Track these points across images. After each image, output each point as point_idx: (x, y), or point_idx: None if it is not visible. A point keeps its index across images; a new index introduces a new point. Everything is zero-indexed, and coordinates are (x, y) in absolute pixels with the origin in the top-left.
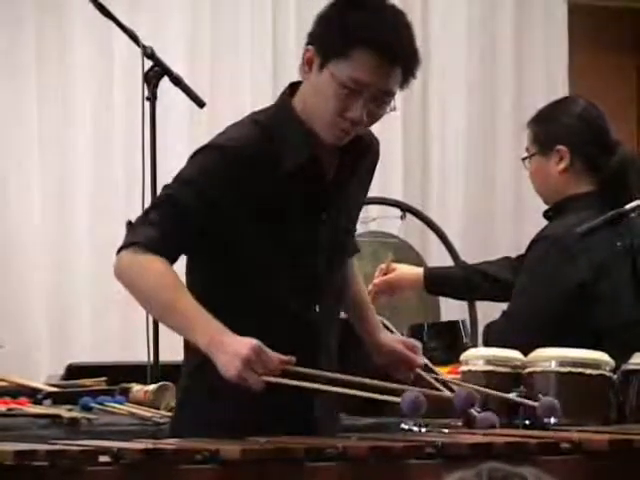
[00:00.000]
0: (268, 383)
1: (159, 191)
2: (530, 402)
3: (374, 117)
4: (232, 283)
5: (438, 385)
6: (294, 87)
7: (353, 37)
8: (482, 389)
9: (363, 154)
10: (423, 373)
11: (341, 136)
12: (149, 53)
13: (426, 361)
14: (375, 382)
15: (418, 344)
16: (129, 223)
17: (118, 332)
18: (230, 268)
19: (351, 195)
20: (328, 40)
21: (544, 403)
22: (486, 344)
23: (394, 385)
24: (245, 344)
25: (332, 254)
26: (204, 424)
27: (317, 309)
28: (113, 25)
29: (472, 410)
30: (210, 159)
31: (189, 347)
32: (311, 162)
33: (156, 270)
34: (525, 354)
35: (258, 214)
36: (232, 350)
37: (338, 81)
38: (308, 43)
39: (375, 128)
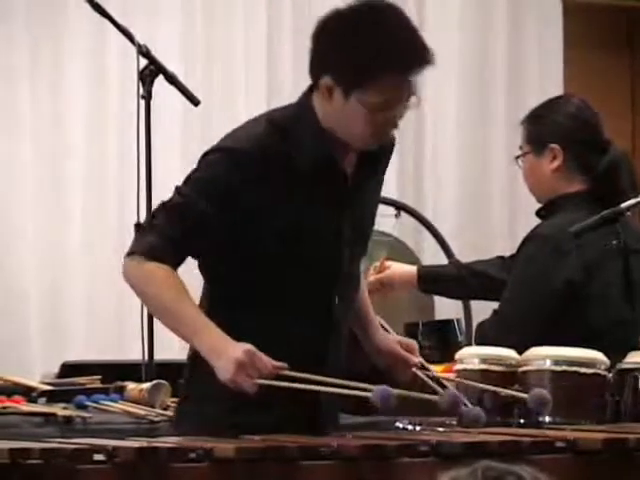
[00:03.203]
0: (261, 386)
1: (154, 190)
2: (521, 394)
3: (403, 114)
4: (249, 279)
5: (432, 384)
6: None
7: (376, 65)
8: (476, 384)
9: (384, 153)
10: (418, 372)
11: (377, 141)
12: (144, 51)
13: (421, 359)
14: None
15: (414, 343)
16: (137, 225)
17: (113, 330)
18: (247, 265)
19: (370, 191)
20: (348, 71)
21: (534, 394)
22: (478, 343)
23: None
24: (239, 349)
25: (353, 249)
26: (206, 413)
27: (337, 302)
28: (108, 23)
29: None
30: (220, 162)
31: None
32: (328, 162)
33: (159, 278)
34: (517, 353)
35: (275, 214)
36: (227, 355)
37: (369, 107)
38: (321, 71)
39: None
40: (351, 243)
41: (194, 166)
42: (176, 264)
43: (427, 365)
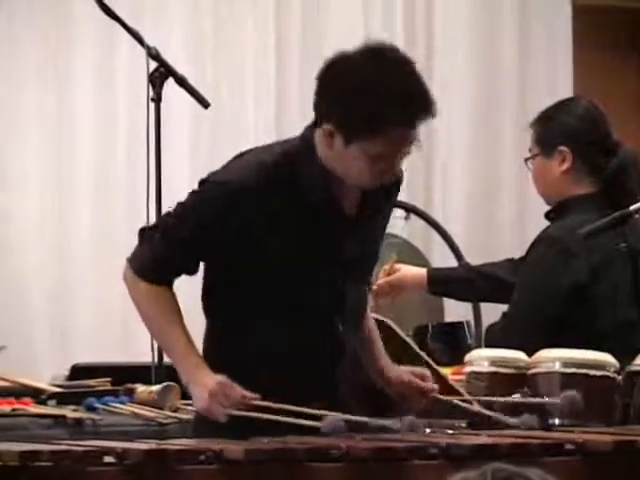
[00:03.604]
0: (232, 416)
1: (163, 192)
2: (551, 400)
3: (404, 158)
4: (247, 300)
5: (460, 403)
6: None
7: (378, 120)
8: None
9: (389, 192)
10: (440, 396)
11: (375, 184)
12: (154, 54)
13: (428, 359)
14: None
15: (427, 371)
16: (142, 230)
17: (122, 332)
18: (244, 288)
19: (374, 225)
20: (350, 122)
21: (567, 397)
22: (487, 345)
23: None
24: (213, 380)
25: (355, 276)
26: None
27: (340, 329)
28: (117, 26)
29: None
30: (214, 194)
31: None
32: (328, 201)
33: (151, 301)
34: (526, 355)
35: (271, 244)
36: (202, 385)
37: (371, 156)
38: (323, 116)
39: None
40: (352, 270)
41: (203, 171)
42: (170, 281)
43: (435, 365)
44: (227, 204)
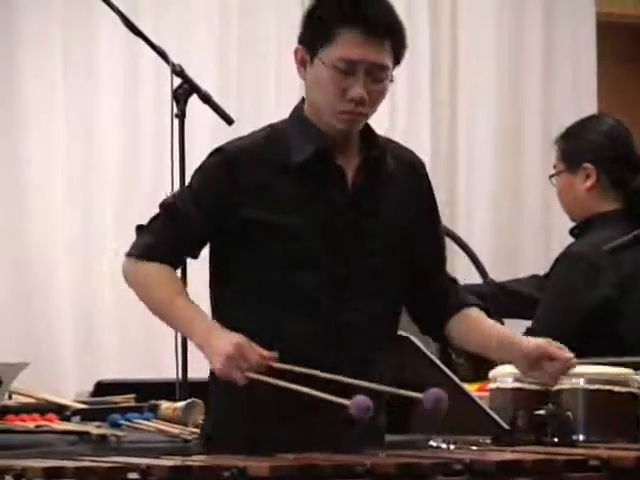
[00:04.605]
0: (252, 379)
1: None
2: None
3: (375, 94)
4: (249, 277)
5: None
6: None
7: (334, 20)
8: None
9: (384, 158)
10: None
11: (348, 119)
12: (178, 70)
13: (452, 375)
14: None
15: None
16: (139, 227)
17: (147, 349)
18: (248, 263)
19: (387, 208)
20: (312, 33)
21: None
22: None
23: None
24: (229, 341)
25: (354, 260)
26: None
27: (328, 302)
28: (142, 42)
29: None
30: (210, 163)
31: None
32: (322, 156)
33: (153, 277)
34: None
35: (270, 209)
36: (217, 347)
37: (330, 65)
38: (298, 43)
39: (403, 144)
40: (351, 251)
41: None
42: (173, 263)
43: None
44: (222, 168)
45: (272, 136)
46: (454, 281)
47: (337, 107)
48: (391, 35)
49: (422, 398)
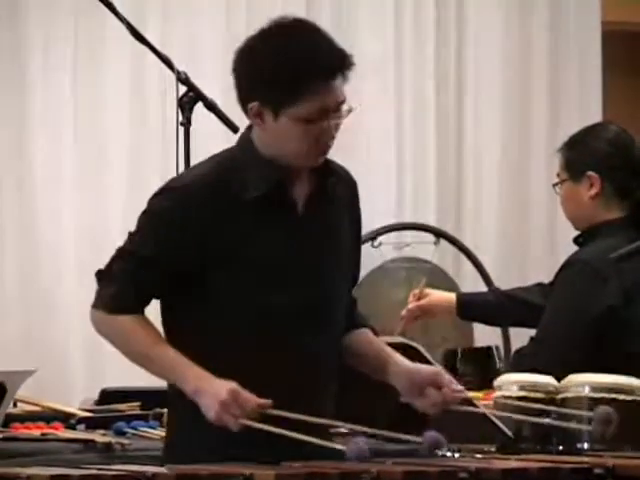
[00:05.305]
0: (246, 426)
1: None
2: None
3: (339, 125)
4: (215, 317)
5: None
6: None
7: (297, 78)
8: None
9: (330, 174)
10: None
11: (321, 157)
12: (183, 78)
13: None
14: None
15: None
16: (99, 272)
17: None
18: (211, 304)
19: (337, 232)
20: (272, 93)
21: (599, 413)
22: (515, 370)
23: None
24: (223, 388)
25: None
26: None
27: (311, 341)
28: (147, 50)
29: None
30: (163, 204)
31: None
32: (277, 189)
33: (127, 329)
34: (555, 379)
35: (228, 248)
36: (211, 394)
37: (303, 120)
38: (247, 98)
39: (410, 155)
40: (308, 275)
41: None
42: (141, 308)
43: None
44: (173, 211)
45: (222, 169)
46: (354, 299)
47: (310, 153)
48: (347, 68)
49: (421, 442)
